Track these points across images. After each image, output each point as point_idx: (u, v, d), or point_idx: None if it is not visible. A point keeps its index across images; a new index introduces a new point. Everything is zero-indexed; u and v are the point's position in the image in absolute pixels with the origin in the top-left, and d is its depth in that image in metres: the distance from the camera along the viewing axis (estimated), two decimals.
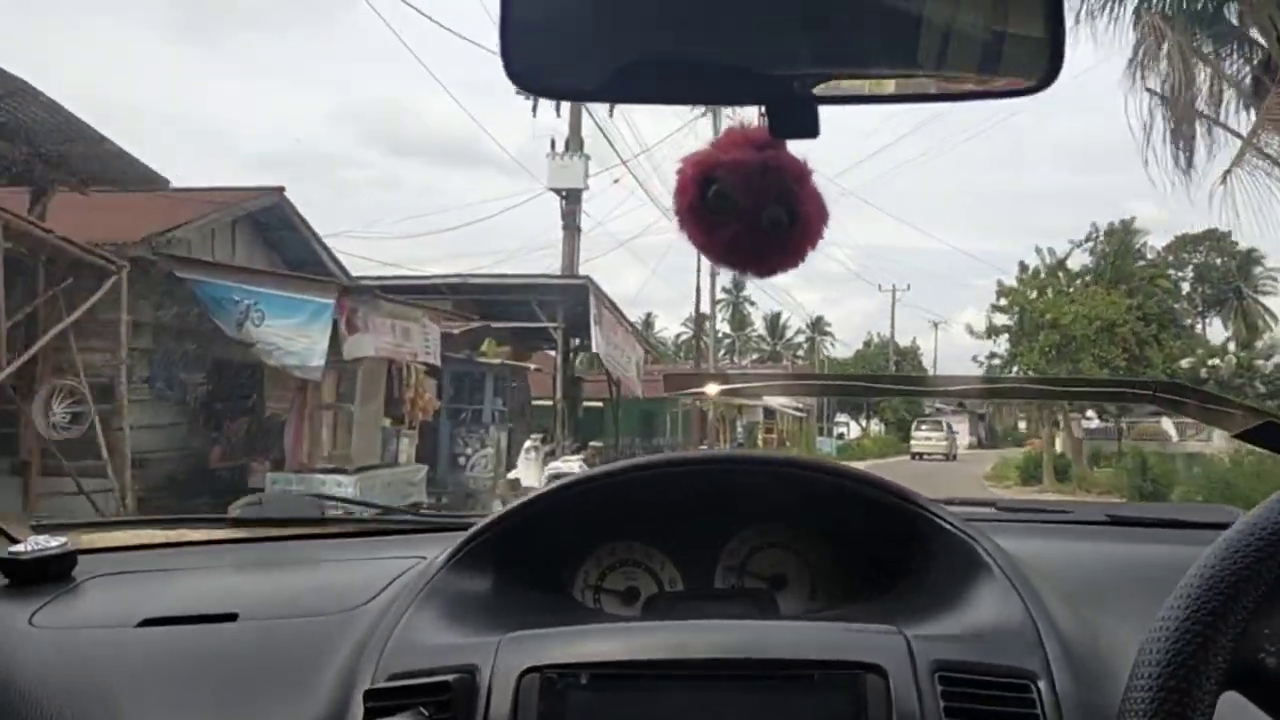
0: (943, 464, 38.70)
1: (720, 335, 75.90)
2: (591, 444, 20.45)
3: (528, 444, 17.01)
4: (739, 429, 37.76)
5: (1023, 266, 30.77)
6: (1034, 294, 30.09)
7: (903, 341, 64.65)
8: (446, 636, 1.11)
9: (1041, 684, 0.98)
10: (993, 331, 31.51)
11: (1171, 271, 55.27)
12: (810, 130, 0.67)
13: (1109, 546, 1.48)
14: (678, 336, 72.13)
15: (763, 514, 1.33)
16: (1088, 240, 31.84)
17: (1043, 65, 0.66)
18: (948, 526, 1.22)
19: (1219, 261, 58.22)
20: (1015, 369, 29.99)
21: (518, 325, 19.81)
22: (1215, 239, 56.95)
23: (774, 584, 1.32)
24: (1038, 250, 31.03)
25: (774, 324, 74.89)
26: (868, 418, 55.34)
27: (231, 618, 1.24)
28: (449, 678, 1.00)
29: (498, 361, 19.64)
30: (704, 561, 1.33)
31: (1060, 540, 1.50)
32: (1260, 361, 30.42)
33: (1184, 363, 29.42)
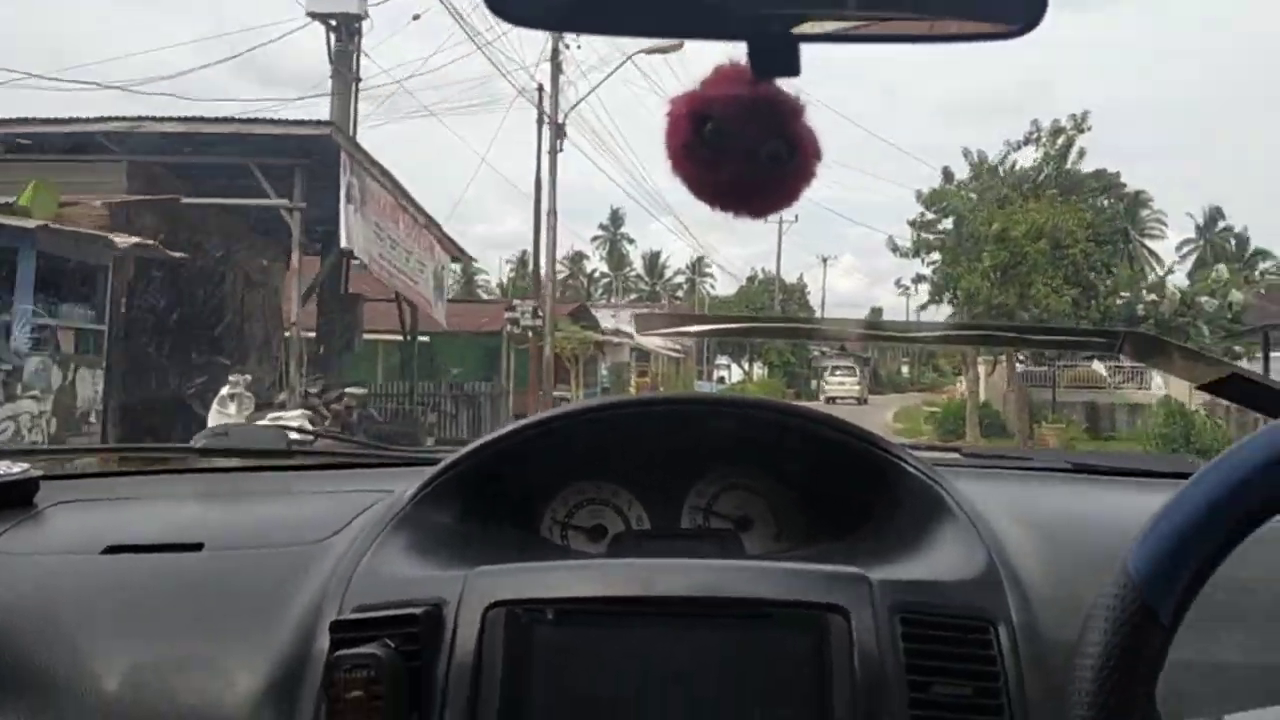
0: (856, 408, 39.52)
1: (596, 274, 73.25)
2: (350, 389, 15.47)
3: (225, 389, 11.65)
4: (602, 371, 34.56)
5: (947, 174, 24.41)
6: (973, 198, 23.86)
7: (789, 278, 63.45)
8: (413, 570, 1.11)
9: (1001, 628, 1.00)
10: (922, 247, 24.60)
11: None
12: (791, 68, 0.66)
13: (1071, 493, 1.50)
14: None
15: (731, 455, 1.34)
16: (1028, 142, 24.47)
17: (1025, 5, 0.65)
18: (913, 470, 1.23)
19: (1107, 203, 57.38)
20: (949, 295, 23.81)
21: (232, 202, 13.89)
22: (1104, 180, 57.01)
23: (740, 525, 1.33)
24: (965, 153, 24.47)
25: (653, 263, 73.73)
26: (750, 360, 52.96)
27: (197, 547, 1.24)
28: (416, 610, 1.01)
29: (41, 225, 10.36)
30: (671, 501, 1.34)
31: (1023, 486, 1.52)
32: (1204, 299, 26.66)
33: (1122, 295, 25.76)
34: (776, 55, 0.65)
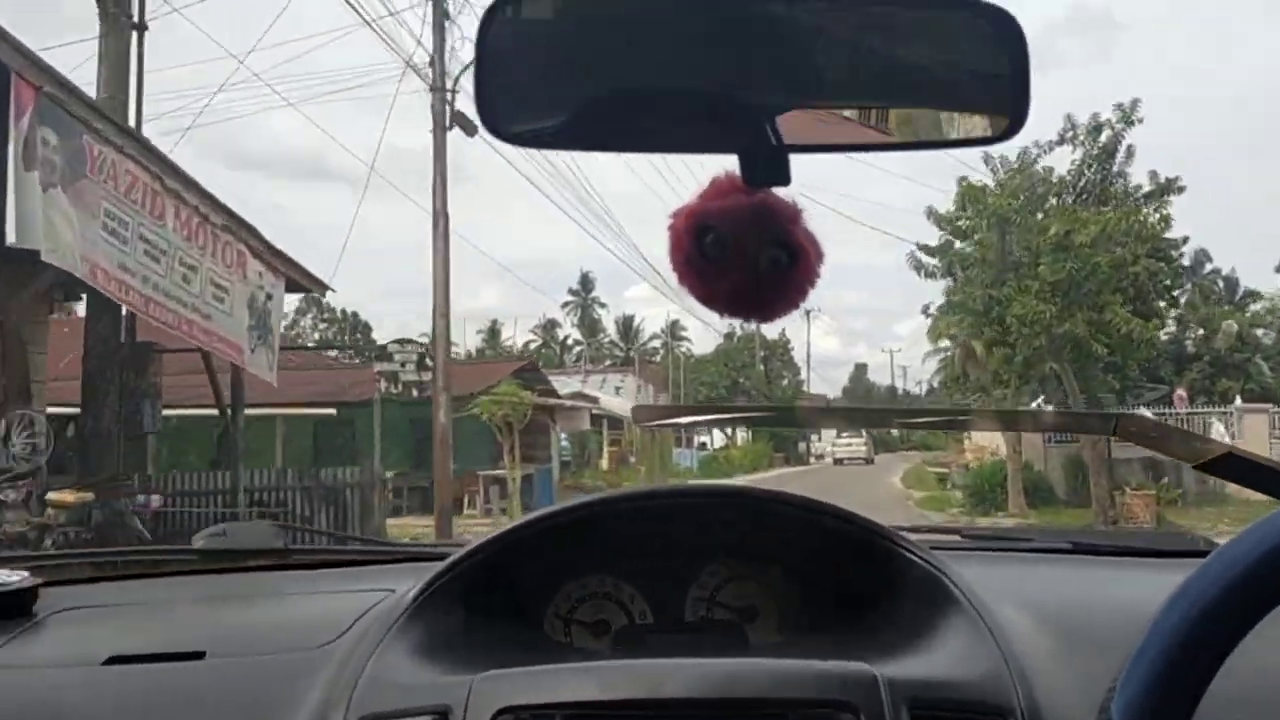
0: (865, 468, 41.81)
1: (569, 341, 70.20)
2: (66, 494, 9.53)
3: None
4: (562, 442, 28.90)
5: (967, 187, 18.52)
6: (1016, 201, 17.90)
7: (770, 333, 60.59)
8: (418, 675, 1.10)
9: None
10: (955, 261, 19.24)
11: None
12: (782, 178, 0.68)
13: (1075, 575, 1.50)
14: (527, 345, 66.21)
15: (732, 546, 1.34)
16: (1063, 142, 18.12)
17: (1007, 116, 0.68)
18: (914, 558, 1.23)
19: (1159, 215, 54.34)
20: (990, 325, 18.69)
21: None
22: (1160, 184, 52.54)
23: (744, 615, 1.32)
24: (986, 158, 17.99)
25: (626, 328, 71.06)
26: (733, 425, 48.37)
27: (199, 655, 1.23)
28: (424, 718, 1.00)
29: None
30: (674, 594, 1.34)
31: (1026, 569, 1.52)
32: (1260, 332, 25.10)
33: (1167, 330, 22.70)
34: (768, 165, 0.67)
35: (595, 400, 32.26)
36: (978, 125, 0.70)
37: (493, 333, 69.43)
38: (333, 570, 1.68)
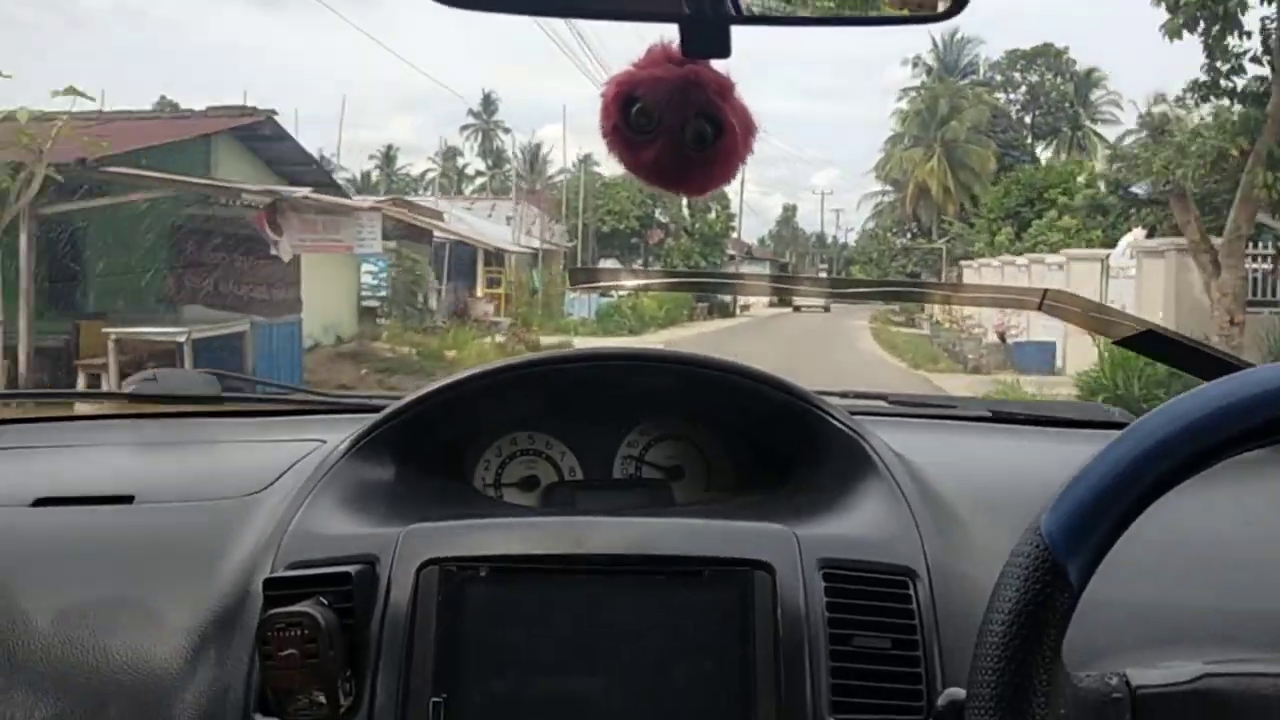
0: (825, 315, 44.44)
1: (469, 170, 61.22)
2: None
3: None
4: (366, 276, 19.96)
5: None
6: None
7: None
8: (347, 526, 1.12)
9: (919, 581, 1.04)
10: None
11: (1001, 95, 54.00)
12: (722, 50, 0.67)
13: (993, 443, 1.54)
14: (424, 175, 58.55)
15: (662, 407, 1.36)
16: None
17: None
18: (837, 423, 1.26)
19: (1055, 81, 53.47)
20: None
21: None
22: (1051, 55, 53.05)
23: (671, 474, 1.36)
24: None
25: (533, 158, 58.86)
26: (645, 263, 41.08)
27: (128, 499, 1.23)
28: (350, 568, 1.02)
29: None
30: (603, 452, 1.36)
31: (945, 436, 1.56)
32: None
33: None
34: (707, 36, 0.66)
35: (442, 220, 22.34)
36: (921, 2, 0.69)
37: (387, 158, 62.62)
38: (266, 419, 1.68)
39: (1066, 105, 53.40)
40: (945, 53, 55.22)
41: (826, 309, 48.27)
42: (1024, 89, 55.07)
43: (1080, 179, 31.70)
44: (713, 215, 44.21)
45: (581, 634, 1.01)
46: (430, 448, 1.29)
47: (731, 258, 48.52)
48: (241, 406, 1.78)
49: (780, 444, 1.31)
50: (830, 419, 1.27)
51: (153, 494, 1.26)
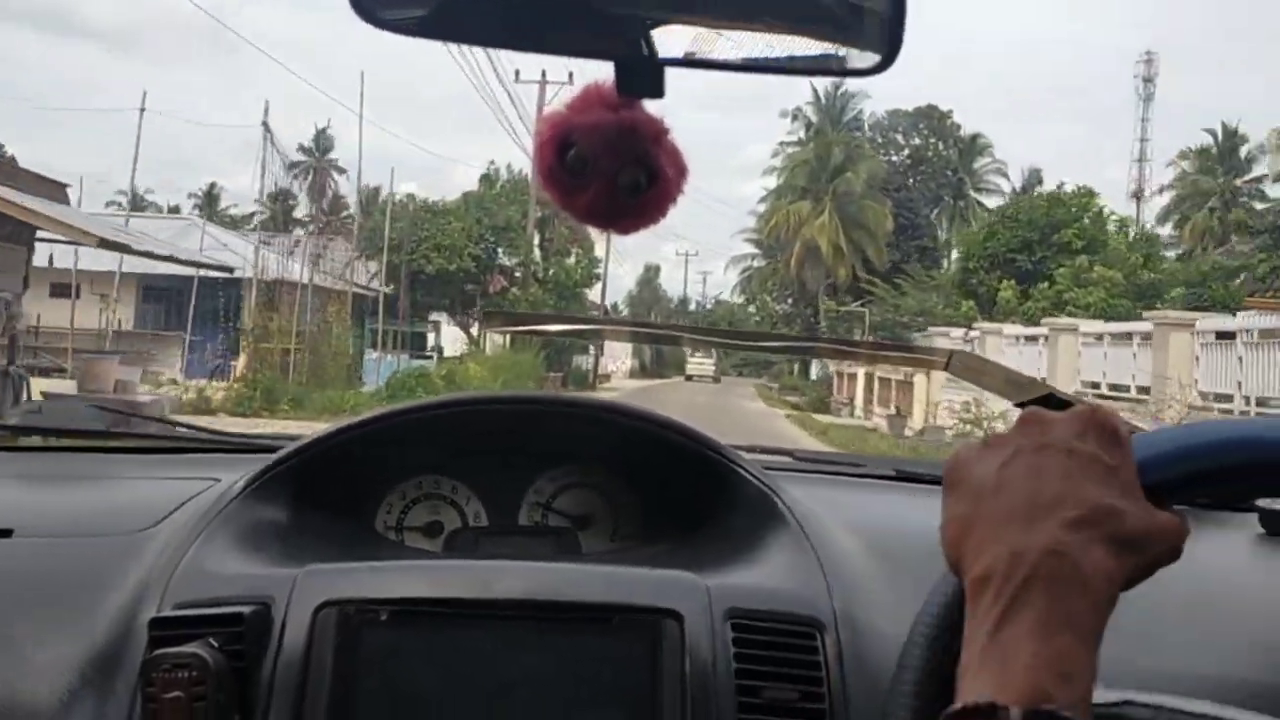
0: (712, 385, 44.70)
1: (299, 214, 49.21)
2: None
3: None
4: None
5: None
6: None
7: None
8: (241, 566, 1.08)
9: (826, 635, 1.04)
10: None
11: (885, 156, 50.65)
12: (655, 90, 0.67)
13: (897, 500, 1.56)
14: (251, 216, 43.47)
15: (571, 454, 1.35)
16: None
17: (884, 45, 0.68)
18: (747, 476, 1.26)
19: (940, 145, 50.86)
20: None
21: None
22: (935, 117, 50.62)
23: (578, 523, 1.34)
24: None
25: (369, 200, 45.28)
26: (480, 324, 31.46)
27: (5, 533, 1.17)
28: (243, 609, 0.98)
29: None
30: (510, 498, 1.34)
31: (853, 493, 1.57)
32: None
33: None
34: (641, 76, 0.66)
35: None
36: (853, 57, 0.70)
37: (210, 197, 55.83)
38: (156, 455, 1.62)
39: (949, 172, 51.11)
40: (829, 105, 51.19)
41: (717, 379, 49.48)
42: (906, 151, 52.61)
43: (1101, 213, 27.63)
44: (572, 260, 35.50)
45: (485, 681, 0.99)
46: (330, 489, 1.26)
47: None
48: (131, 443, 1.71)
49: (689, 495, 1.31)
50: (741, 470, 1.27)
51: (32, 528, 1.20)
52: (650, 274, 78.52)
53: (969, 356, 1.58)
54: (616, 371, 45.26)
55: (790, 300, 49.89)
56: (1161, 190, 43.34)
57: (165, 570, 1.06)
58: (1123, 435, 0.64)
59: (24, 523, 1.20)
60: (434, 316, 33.31)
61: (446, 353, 31.27)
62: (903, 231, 45.67)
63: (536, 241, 34.03)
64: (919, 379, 22.34)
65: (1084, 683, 0.58)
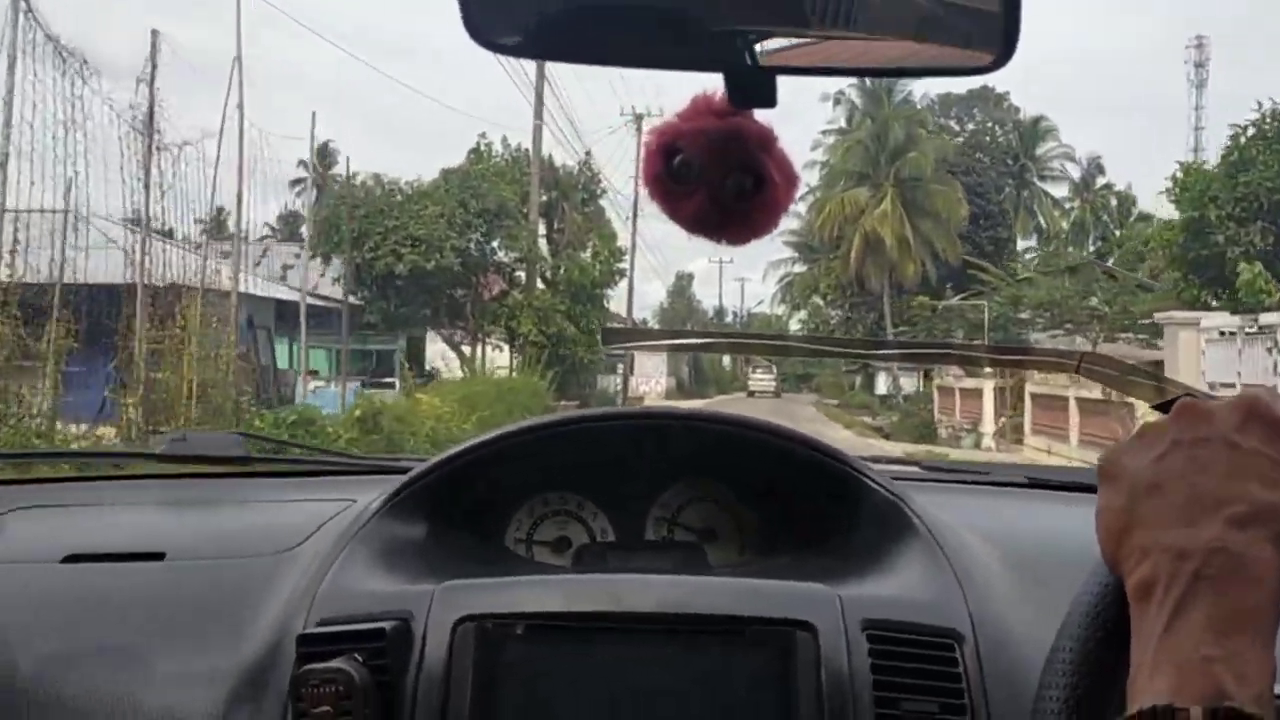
0: (774, 401, 42.69)
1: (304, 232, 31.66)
2: None
3: None
4: None
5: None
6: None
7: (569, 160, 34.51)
8: (381, 583, 1.11)
9: (965, 644, 1.02)
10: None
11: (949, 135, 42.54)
12: (767, 100, 0.67)
13: (1030, 508, 1.52)
14: (261, 239, 31.38)
15: (696, 468, 1.35)
16: None
17: (998, 44, 0.67)
18: (875, 486, 1.25)
19: (997, 130, 43.55)
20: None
21: None
22: (991, 100, 43.37)
23: (704, 537, 1.34)
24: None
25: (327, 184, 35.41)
26: (477, 327, 25.27)
27: (159, 556, 1.23)
28: (384, 625, 1.01)
29: None
30: (636, 513, 1.35)
31: (983, 500, 1.54)
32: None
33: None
34: (752, 87, 0.66)
35: None
36: (966, 55, 0.69)
37: (218, 224, 42.13)
38: (295, 479, 1.68)
39: (1009, 160, 42.77)
40: (874, 87, 40.63)
41: (778, 394, 48.60)
42: (961, 137, 44.42)
43: None
44: (588, 254, 26.79)
45: (620, 694, 0.99)
46: (461, 507, 1.29)
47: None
48: (270, 468, 1.78)
49: (816, 507, 1.29)
50: (868, 481, 1.25)
51: (183, 551, 1.25)
52: (683, 283, 71.62)
53: (1099, 357, 1.53)
54: (650, 392, 40.29)
55: (848, 303, 41.74)
56: None
57: (309, 588, 1.10)
58: None
59: (175, 546, 1.26)
60: (414, 330, 25.60)
61: (443, 374, 23.69)
62: (973, 221, 38.97)
63: (542, 232, 26.48)
64: (1074, 392, 17.88)
65: (1263, 679, 0.57)
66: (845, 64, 0.69)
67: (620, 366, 35.65)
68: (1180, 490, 0.61)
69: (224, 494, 1.62)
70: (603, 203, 29.82)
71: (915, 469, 1.70)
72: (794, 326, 48.69)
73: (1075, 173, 42.37)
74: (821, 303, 43.43)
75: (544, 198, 26.75)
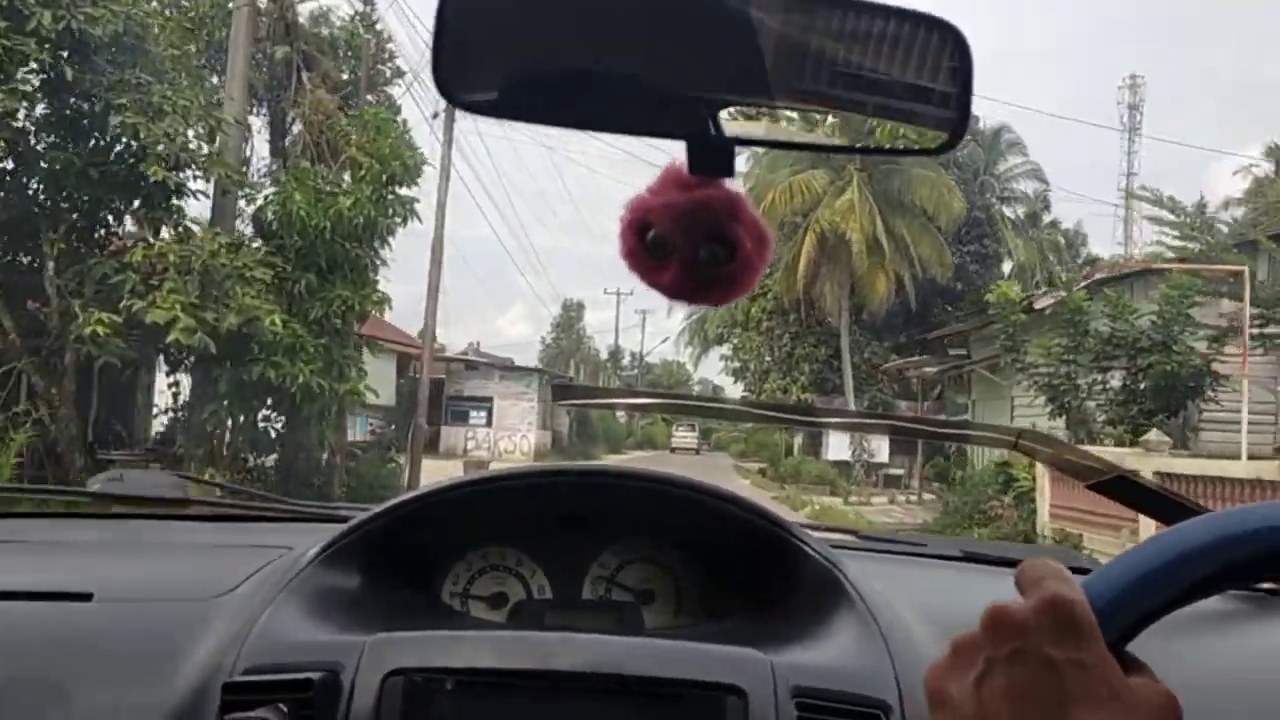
0: (694, 457, 42.88)
1: None
2: None
3: None
4: None
5: None
6: None
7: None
8: (311, 633, 1.10)
9: (892, 716, 1.03)
10: None
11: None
12: (725, 169, 0.69)
13: (964, 582, 1.54)
14: None
15: (636, 528, 1.35)
16: None
17: (946, 130, 0.70)
18: (812, 552, 1.26)
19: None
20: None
21: None
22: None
23: (641, 598, 1.34)
24: None
25: None
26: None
27: (87, 597, 1.21)
28: (312, 675, 1.00)
29: None
30: (574, 571, 1.35)
31: (918, 572, 1.56)
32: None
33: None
34: (712, 155, 0.68)
35: None
36: (917, 136, 0.72)
37: None
38: (231, 524, 1.66)
39: (970, 175, 31.28)
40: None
41: (697, 451, 49.35)
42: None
43: None
44: (352, 178, 13.68)
45: None
46: (398, 559, 1.28)
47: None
48: (207, 510, 1.76)
49: (754, 571, 1.30)
50: (805, 547, 1.26)
51: (112, 593, 1.23)
52: (571, 314, 60.01)
53: (1037, 435, 1.56)
54: (514, 450, 32.06)
55: (790, 337, 31.34)
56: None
57: (238, 635, 1.08)
58: (1092, 626, 0.61)
59: (104, 587, 1.24)
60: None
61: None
62: (977, 234, 30.49)
63: (260, 128, 15.10)
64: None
65: None
66: (800, 140, 0.71)
67: (473, 415, 31.51)
68: None
69: (158, 536, 1.60)
70: (395, 89, 17.18)
71: (852, 538, 1.72)
72: (712, 365, 43.92)
73: (1035, 191, 34.33)
74: (755, 336, 32.82)
75: (265, 50, 14.66)
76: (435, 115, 18.18)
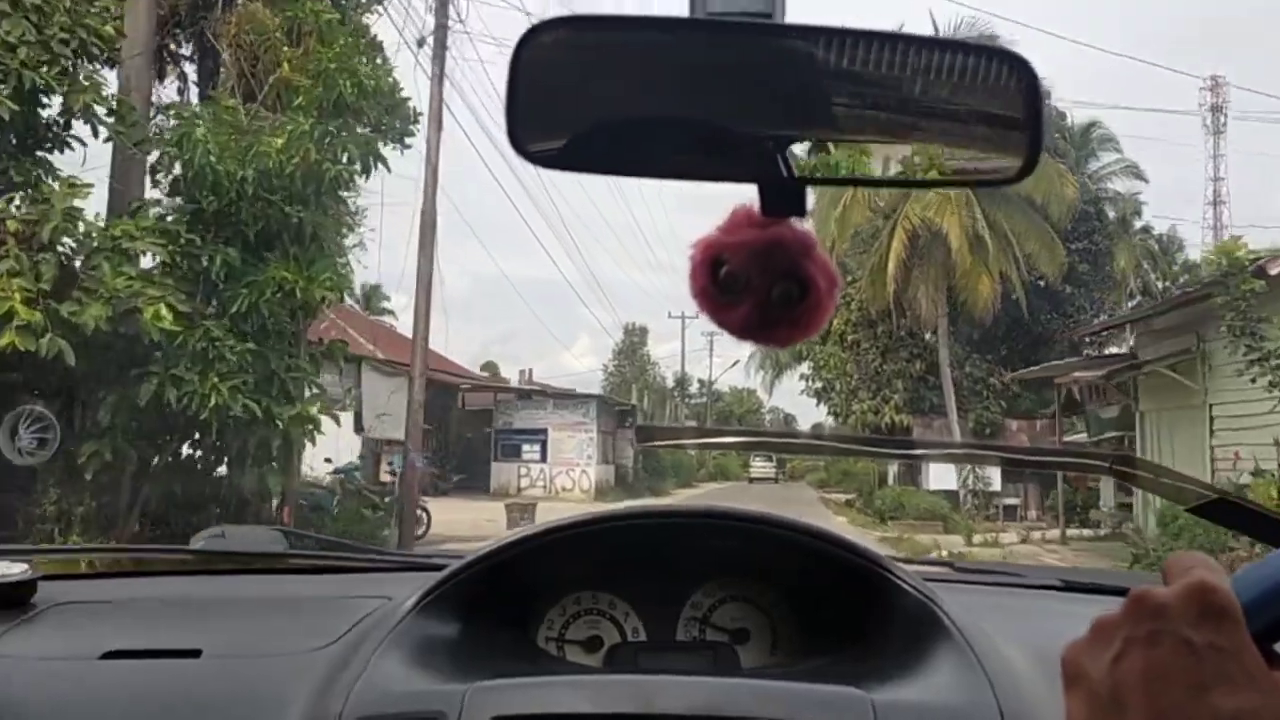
0: (773, 485, 43.93)
1: None
2: None
3: None
4: None
5: None
6: None
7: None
8: (414, 682, 1.11)
9: None
10: None
11: None
12: (798, 209, 0.70)
13: (1064, 611, 1.51)
14: None
15: (728, 567, 1.35)
16: None
17: (1021, 157, 0.70)
18: (907, 587, 1.24)
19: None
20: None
21: None
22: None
23: (736, 637, 1.34)
24: None
25: None
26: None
27: (195, 654, 1.24)
28: None
29: None
30: (667, 612, 1.35)
31: (1016, 603, 1.53)
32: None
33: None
34: (783, 196, 0.69)
35: None
36: (991, 166, 0.72)
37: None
38: (330, 576, 1.69)
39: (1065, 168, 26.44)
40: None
41: (776, 479, 49.72)
42: None
43: None
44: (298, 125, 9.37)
45: None
46: (494, 605, 1.29)
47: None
48: (306, 563, 1.80)
49: (848, 607, 1.29)
50: (900, 583, 1.25)
51: (220, 648, 1.26)
52: (634, 338, 56.35)
53: (1132, 460, 1.53)
54: (573, 486, 29.66)
55: (879, 351, 27.75)
56: None
57: (344, 687, 1.11)
58: (1236, 612, 0.61)
59: (211, 643, 1.27)
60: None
61: None
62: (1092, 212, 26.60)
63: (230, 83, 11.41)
64: None
65: None
66: (867, 174, 0.72)
67: (525, 450, 28.22)
68: (1141, 708, 0.60)
69: (260, 590, 1.64)
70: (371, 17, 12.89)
71: (947, 570, 1.69)
72: (786, 390, 41.80)
73: (1144, 188, 30.23)
74: (842, 353, 28.69)
75: None
76: (421, 43, 14.67)
